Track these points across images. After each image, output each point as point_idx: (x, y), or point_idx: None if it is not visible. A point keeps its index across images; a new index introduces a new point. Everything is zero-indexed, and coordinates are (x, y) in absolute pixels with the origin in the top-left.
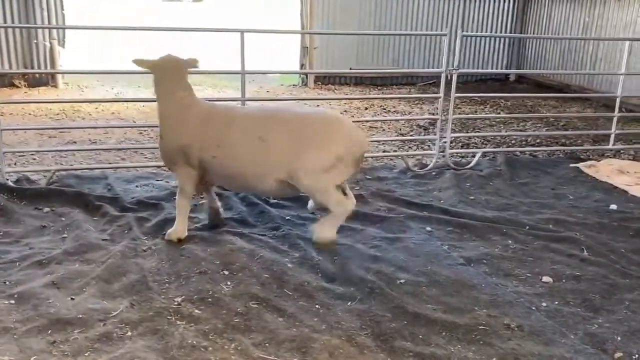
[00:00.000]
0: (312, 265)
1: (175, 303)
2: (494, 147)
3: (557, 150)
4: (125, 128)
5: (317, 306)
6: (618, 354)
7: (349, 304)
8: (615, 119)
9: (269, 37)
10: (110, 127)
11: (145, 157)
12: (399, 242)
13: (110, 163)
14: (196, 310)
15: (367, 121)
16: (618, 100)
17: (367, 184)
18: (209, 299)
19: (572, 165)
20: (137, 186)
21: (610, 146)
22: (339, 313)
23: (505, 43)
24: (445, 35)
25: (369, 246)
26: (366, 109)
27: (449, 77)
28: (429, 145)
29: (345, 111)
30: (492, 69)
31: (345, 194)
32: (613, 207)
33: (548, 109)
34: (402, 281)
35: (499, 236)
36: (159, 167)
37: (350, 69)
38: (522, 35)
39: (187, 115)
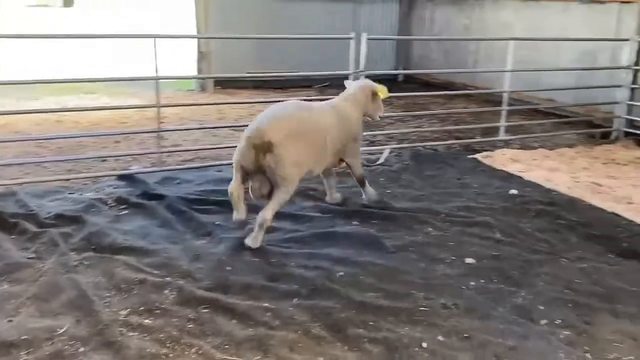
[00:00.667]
0: (252, 268)
1: (123, 315)
2: (397, 144)
3: (454, 144)
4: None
5: (266, 304)
6: (543, 321)
7: (295, 300)
8: (504, 112)
9: (164, 41)
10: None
11: (50, 171)
12: (330, 238)
13: (14, 179)
14: (146, 321)
15: None
16: (506, 95)
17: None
18: (156, 309)
19: (470, 156)
20: (50, 201)
21: (500, 137)
22: (289, 309)
23: (393, 45)
24: (352, 38)
25: (302, 244)
26: None
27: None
28: None
29: (250, 115)
30: (384, 70)
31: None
32: (513, 191)
33: (438, 105)
34: (341, 274)
35: (420, 225)
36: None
37: (248, 72)
38: (425, 37)
39: None
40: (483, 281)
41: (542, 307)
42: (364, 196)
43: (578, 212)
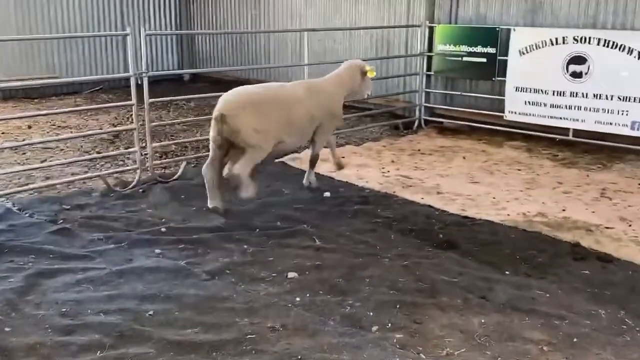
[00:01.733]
0: (37, 323)
1: None
2: (195, 154)
3: None
4: None
5: None
6: (374, 328)
7: (99, 353)
8: None
9: None
10: None
11: None
12: (131, 273)
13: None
14: None
15: (41, 142)
16: None
17: (69, 214)
18: None
19: (277, 160)
20: None
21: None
22: None
23: (174, 41)
24: (128, 35)
25: (98, 284)
26: (30, 127)
27: (139, 82)
28: (123, 161)
29: (2, 133)
30: (166, 69)
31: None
32: (327, 194)
33: None
34: (150, 313)
35: (233, 243)
36: None
37: None
38: (211, 32)
39: None
40: (309, 295)
41: (371, 313)
42: (304, 180)
43: (393, 208)
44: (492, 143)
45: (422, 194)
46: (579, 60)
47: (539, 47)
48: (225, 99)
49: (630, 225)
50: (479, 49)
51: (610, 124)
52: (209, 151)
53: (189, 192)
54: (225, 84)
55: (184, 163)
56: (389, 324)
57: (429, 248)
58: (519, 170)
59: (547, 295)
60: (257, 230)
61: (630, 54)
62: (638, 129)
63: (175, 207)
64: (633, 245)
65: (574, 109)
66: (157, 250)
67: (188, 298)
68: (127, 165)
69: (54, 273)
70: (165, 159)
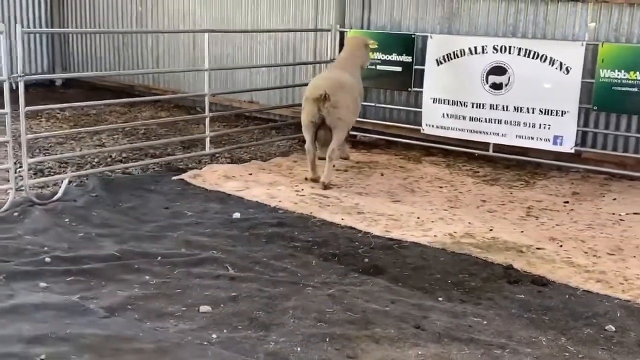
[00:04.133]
0: None
1: None
2: (76, 170)
3: (150, 164)
4: None
5: None
6: None
7: None
8: (207, 121)
9: None
10: None
11: None
12: (13, 312)
13: None
14: None
15: None
16: (207, 98)
17: None
18: None
19: (175, 178)
20: None
21: (207, 151)
22: None
23: (43, 40)
24: (2, 32)
25: None
26: None
27: (13, 87)
28: None
29: None
30: (35, 72)
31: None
32: (236, 215)
33: (117, 116)
34: (42, 357)
35: (133, 274)
36: None
37: None
38: (99, 30)
39: None
40: (226, 331)
41: (298, 349)
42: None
43: (311, 231)
44: (409, 158)
45: (341, 214)
46: (499, 70)
47: (458, 56)
48: (320, 83)
49: (561, 246)
50: (394, 57)
51: (532, 138)
52: (92, 167)
53: (73, 215)
54: (103, 90)
55: (65, 181)
56: None
57: (354, 274)
58: (441, 187)
59: (485, 322)
60: (159, 258)
61: (552, 65)
62: (560, 144)
63: (59, 233)
64: (566, 266)
65: (495, 122)
66: (42, 284)
67: (85, 339)
68: (2, 184)
69: None
70: (41, 176)
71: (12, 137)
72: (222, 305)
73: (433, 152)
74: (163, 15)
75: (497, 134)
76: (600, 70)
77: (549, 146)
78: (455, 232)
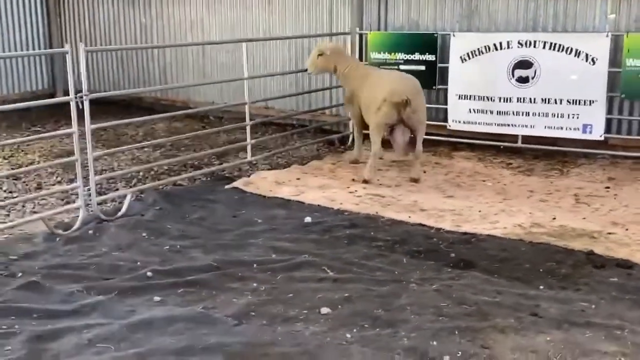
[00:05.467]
0: None
1: None
2: (141, 184)
3: (197, 175)
4: None
5: None
6: (446, 358)
7: None
8: (248, 128)
9: None
10: None
11: None
12: (146, 326)
13: None
14: None
15: None
16: (247, 107)
17: (22, 265)
18: None
19: (228, 187)
20: None
21: (249, 158)
22: None
23: (42, 57)
24: (67, 52)
25: (116, 342)
26: None
27: (80, 106)
28: (62, 199)
29: None
30: (30, 88)
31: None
32: (308, 219)
33: (133, 130)
34: None
35: (238, 282)
36: None
37: None
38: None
39: None
40: (356, 330)
41: (434, 343)
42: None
43: (386, 230)
44: (440, 154)
45: (405, 212)
46: (524, 64)
47: (482, 53)
48: (399, 87)
49: (627, 230)
50: (417, 56)
51: (562, 128)
52: (153, 181)
53: (149, 230)
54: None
55: (129, 197)
56: (459, 353)
57: (447, 269)
58: (484, 181)
59: (593, 306)
60: (255, 265)
61: (578, 57)
62: (590, 132)
63: (145, 248)
64: None
65: (523, 114)
66: (157, 298)
67: (229, 347)
68: (73, 203)
69: (55, 335)
70: (105, 193)
71: (81, 155)
72: (339, 306)
73: (460, 147)
74: (169, 25)
75: (526, 126)
76: (627, 60)
77: (578, 135)
78: (522, 223)
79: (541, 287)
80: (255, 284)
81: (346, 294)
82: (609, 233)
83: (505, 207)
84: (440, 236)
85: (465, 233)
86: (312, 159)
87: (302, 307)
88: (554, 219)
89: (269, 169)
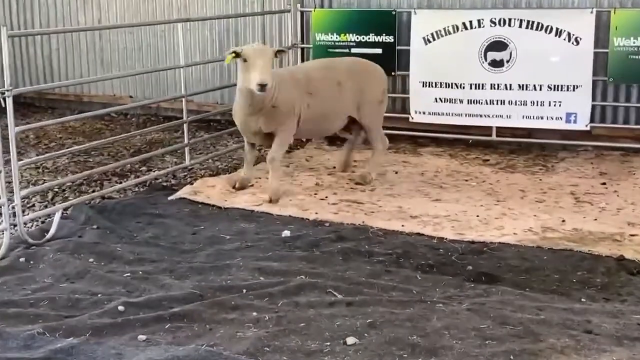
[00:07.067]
0: None
1: None
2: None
3: (130, 187)
4: None
5: None
6: None
7: None
8: (186, 127)
9: None
10: None
11: None
12: None
13: None
14: None
15: None
16: (184, 101)
17: None
18: None
19: (172, 197)
20: None
21: (187, 163)
22: None
23: None
24: None
25: None
26: None
27: (1, 104)
28: None
29: None
30: None
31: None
32: (286, 233)
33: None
34: None
35: (234, 313)
36: None
37: None
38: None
39: None
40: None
41: None
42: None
43: (380, 242)
44: (405, 151)
45: (395, 220)
46: (498, 46)
47: (449, 33)
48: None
49: None
50: (372, 37)
51: (542, 118)
52: (74, 194)
53: (94, 254)
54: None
55: (58, 215)
56: None
57: (469, 284)
58: (466, 180)
59: None
60: (244, 291)
61: (559, 36)
62: (575, 122)
63: (99, 276)
64: None
65: (497, 103)
66: (142, 337)
67: None
68: None
69: None
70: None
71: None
72: (366, 335)
73: (423, 143)
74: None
75: (501, 116)
76: (615, 39)
77: (561, 125)
78: (532, 228)
79: (582, 299)
80: (255, 314)
81: (369, 320)
82: (632, 235)
83: (503, 210)
84: (446, 247)
85: (473, 242)
86: (259, 161)
87: (322, 337)
88: (564, 221)
89: (210, 175)
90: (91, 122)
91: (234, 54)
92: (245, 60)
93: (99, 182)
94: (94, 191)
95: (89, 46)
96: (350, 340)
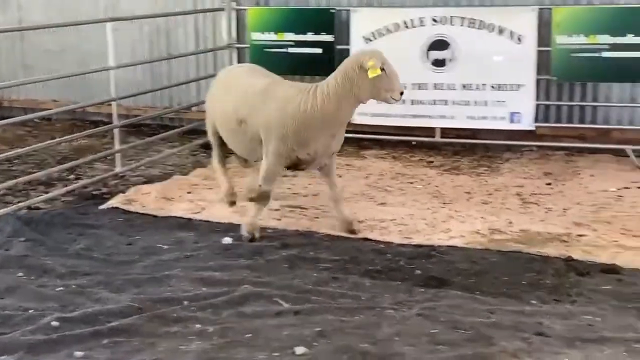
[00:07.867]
0: None
1: None
2: None
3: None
4: None
5: None
6: None
7: None
8: (117, 132)
9: None
10: None
11: None
12: None
13: None
14: None
15: None
16: (115, 105)
17: None
18: None
19: (103, 207)
20: None
21: (118, 169)
22: None
23: None
24: None
25: None
26: None
27: None
28: None
29: None
30: None
31: None
32: (227, 240)
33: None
34: None
35: (176, 325)
36: None
37: None
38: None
39: None
40: None
41: None
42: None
43: (326, 247)
44: (348, 154)
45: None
46: (441, 45)
47: (390, 32)
48: None
49: (595, 230)
50: (310, 36)
51: (485, 118)
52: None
53: (24, 268)
54: None
55: None
56: None
57: (419, 289)
58: (411, 183)
59: (597, 318)
60: (186, 302)
61: (501, 35)
62: (519, 121)
63: (30, 291)
64: (622, 250)
65: (441, 104)
66: (79, 353)
67: None
68: None
69: None
70: None
71: None
72: (315, 344)
73: (366, 145)
74: None
75: (445, 117)
76: (557, 37)
77: (505, 125)
78: (479, 230)
79: (533, 301)
80: (198, 326)
81: (317, 329)
82: (579, 235)
83: (450, 212)
84: (393, 251)
85: (420, 245)
86: (195, 166)
87: (270, 348)
88: (511, 223)
89: (144, 182)
90: (12, 128)
91: (381, 70)
92: (382, 70)
93: (24, 191)
94: (19, 201)
95: (8, 48)
96: (300, 350)
